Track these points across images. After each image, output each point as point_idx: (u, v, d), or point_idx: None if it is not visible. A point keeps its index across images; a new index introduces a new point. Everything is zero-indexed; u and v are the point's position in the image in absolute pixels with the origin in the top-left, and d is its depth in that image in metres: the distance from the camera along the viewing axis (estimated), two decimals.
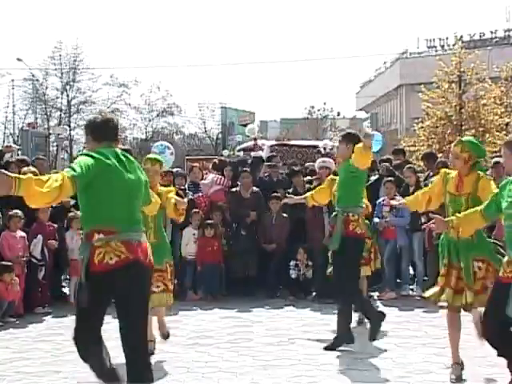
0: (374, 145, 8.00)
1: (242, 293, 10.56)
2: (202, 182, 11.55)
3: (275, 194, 10.89)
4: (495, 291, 5.37)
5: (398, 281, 10.81)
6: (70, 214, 10.15)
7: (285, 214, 10.80)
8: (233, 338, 7.87)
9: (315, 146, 14.65)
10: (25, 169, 10.34)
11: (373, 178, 11.04)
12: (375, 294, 10.36)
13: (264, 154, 14.13)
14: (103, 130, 4.77)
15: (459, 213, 5.67)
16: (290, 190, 10.60)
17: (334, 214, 7.64)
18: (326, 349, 7.23)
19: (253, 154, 14.14)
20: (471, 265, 5.76)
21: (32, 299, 9.52)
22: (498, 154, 21.71)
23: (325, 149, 13.56)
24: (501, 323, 5.22)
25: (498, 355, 5.42)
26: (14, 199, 9.42)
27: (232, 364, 6.71)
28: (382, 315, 7.30)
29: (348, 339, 7.24)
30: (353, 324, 7.55)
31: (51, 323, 8.90)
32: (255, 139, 15.48)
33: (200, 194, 11.20)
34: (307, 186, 10.77)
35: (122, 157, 4.71)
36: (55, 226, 10.06)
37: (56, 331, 8.27)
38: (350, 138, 7.31)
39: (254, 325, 8.64)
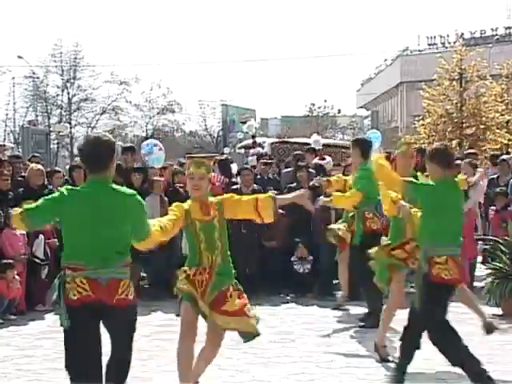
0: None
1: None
2: None
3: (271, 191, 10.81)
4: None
5: None
6: None
7: (280, 210, 10.70)
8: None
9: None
10: (32, 165, 10.40)
11: None
12: None
13: (266, 151, 14.11)
14: (88, 163, 4.57)
15: None
16: (294, 185, 10.50)
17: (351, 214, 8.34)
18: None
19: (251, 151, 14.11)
20: None
21: (33, 297, 9.53)
22: (499, 151, 21.76)
23: (315, 148, 13.08)
24: None
25: None
26: (11, 197, 9.56)
27: (233, 361, 6.72)
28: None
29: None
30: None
31: (52, 320, 8.87)
32: (253, 136, 15.39)
33: None
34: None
35: (105, 190, 4.50)
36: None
37: (57, 328, 8.11)
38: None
39: None
